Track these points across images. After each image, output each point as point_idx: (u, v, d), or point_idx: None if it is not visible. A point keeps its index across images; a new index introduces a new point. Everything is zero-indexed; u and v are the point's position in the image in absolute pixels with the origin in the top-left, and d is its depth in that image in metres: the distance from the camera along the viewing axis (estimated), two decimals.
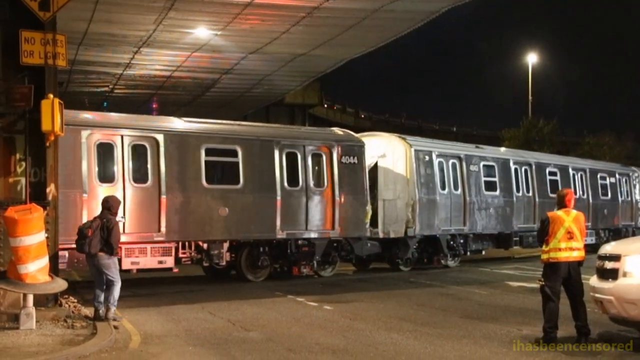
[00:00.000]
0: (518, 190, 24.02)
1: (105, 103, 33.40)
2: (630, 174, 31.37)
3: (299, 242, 17.71)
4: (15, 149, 11.65)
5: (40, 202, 11.17)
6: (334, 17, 20.82)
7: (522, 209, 24.10)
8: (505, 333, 10.59)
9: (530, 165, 24.93)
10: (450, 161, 21.69)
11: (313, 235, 17.86)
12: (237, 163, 16.79)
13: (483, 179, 22.60)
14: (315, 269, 18.34)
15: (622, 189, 30.10)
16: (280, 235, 17.24)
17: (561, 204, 10.03)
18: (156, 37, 22.90)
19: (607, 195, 28.68)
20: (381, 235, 20.05)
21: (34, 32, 11.49)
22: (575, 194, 26.08)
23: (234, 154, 16.83)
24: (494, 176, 23.14)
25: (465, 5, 20.87)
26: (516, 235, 23.78)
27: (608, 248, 10.05)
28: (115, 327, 10.50)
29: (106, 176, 15.09)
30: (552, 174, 25.92)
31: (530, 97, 44.78)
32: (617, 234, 27.77)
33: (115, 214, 11.40)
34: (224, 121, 18.91)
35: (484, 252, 23.97)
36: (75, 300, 12.57)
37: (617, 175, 30.01)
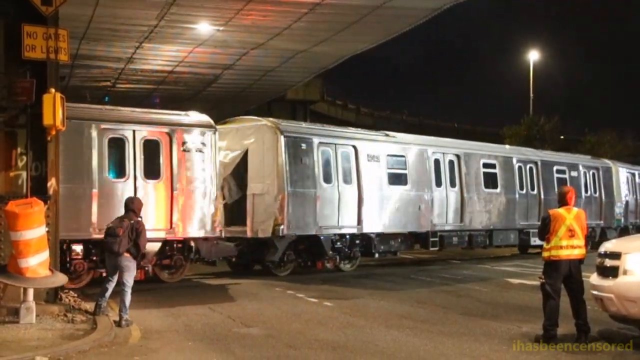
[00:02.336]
0: (439, 185, 21.41)
1: (106, 98, 33.39)
2: (600, 167, 28.60)
3: None
4: (17, 143, 11.66)
5: (41, 197, 11.19)
6: (335, 14, 20.79)
7: (444, 206, 21.70)
8: (505, 330, 10.60)
9: (457, 156, 22.29)
10: (340, 150, 18.96)
11: None
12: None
13: (387, 171, 19.92)
14: (152, 274, 15.77)
15: (587, 184, 27.35)
16: (97, 234, 14.25)
17: (562, 201, 10.06)
18: (158, 32, 22.86)
19: None
20: (249, 234, 17.67)
21: (36, 26, 11.48)
22: (522, 188, 24.52)
23: None
24: (404, 168, 20.50)
25: (468, 2, 20.88)
26: (435, 235, 21.16)
27: (609, 246, 10.07)
28: (120, 324, 10.55)
29: None
30: (488, 166, 23.35)
31: (531, 95, 44.81)
32: None
33: (139, 215, 11.23)
34: None
35: (398, 254, 21.63)
36: (76, 295, 12.60)
37: (580, 169, 27.20)
